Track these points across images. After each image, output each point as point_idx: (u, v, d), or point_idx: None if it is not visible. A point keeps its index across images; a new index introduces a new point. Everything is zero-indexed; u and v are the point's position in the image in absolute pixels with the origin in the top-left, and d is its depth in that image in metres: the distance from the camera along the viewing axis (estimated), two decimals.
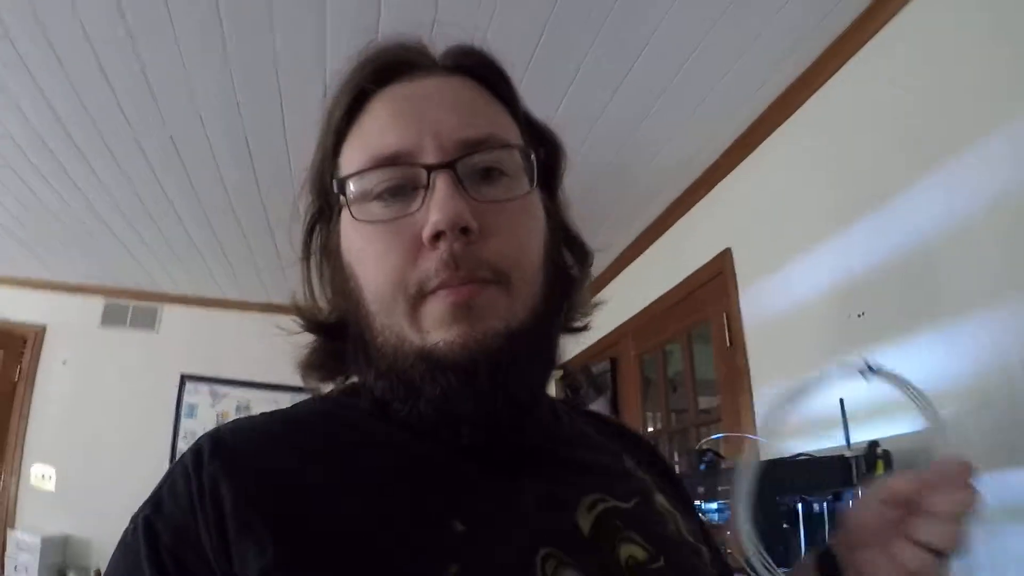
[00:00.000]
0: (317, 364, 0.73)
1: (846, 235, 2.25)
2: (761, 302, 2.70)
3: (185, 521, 0.54)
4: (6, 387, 4.90)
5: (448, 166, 0.60)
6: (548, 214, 0.69)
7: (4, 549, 4.46)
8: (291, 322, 0.73)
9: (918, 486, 0.61)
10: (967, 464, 0.60)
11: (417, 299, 0.59)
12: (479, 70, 0.70)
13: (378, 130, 0.64)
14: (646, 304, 3.62)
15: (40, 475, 4.76)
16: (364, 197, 0.63)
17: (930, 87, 1.96)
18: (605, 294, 4.20)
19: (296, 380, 0.73)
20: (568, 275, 0.74)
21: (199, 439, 0.61)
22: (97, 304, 5.24)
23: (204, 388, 5.17)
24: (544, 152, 0.72)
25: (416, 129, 0.63)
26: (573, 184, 2.71)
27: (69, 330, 5.15)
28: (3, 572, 4.34)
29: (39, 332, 5.12)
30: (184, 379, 5.16)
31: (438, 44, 0.72)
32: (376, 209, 0.62)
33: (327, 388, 0.74)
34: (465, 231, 0.58)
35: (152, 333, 5.28)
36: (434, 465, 0.61)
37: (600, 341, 4.21)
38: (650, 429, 3.78)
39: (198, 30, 2.35)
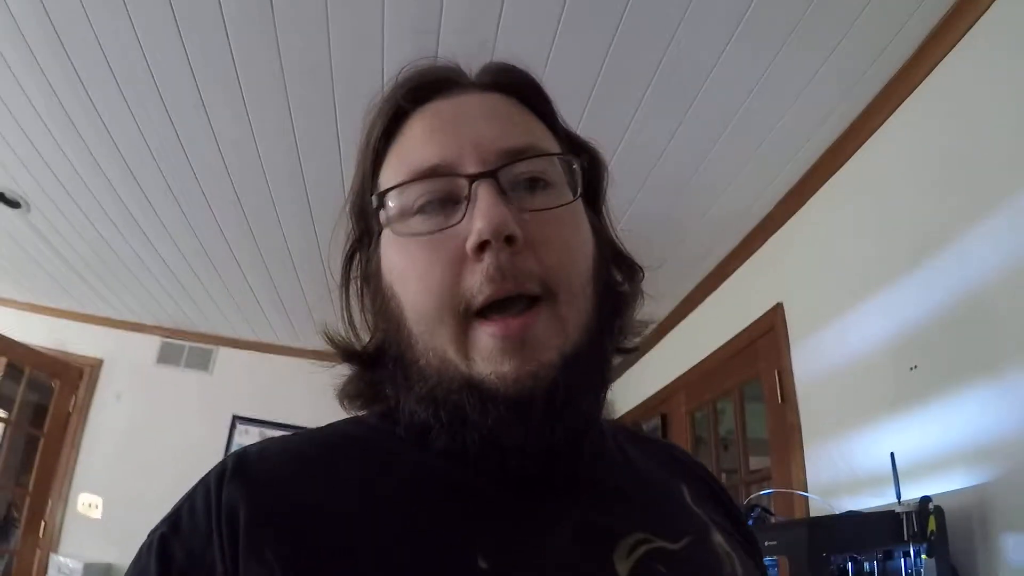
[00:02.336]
0: (355, 393, 0.73)
1: (898, 287, 2.26)
2: (813, 357, 2.71)
3: (200, 544, 0.54)
4: (60, 416, 5.09)
5: (490, 175, 0.60)
6: (593, 228, 0.68)
7: (45, 572, 4.61)
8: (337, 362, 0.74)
9: None
10: None
11: (465, 320, 0.58)
12: (515, 86, 0.71)
13: (417, 145, 0.65)
14: (698, 360, 3.67)
15: (87, 503, 4.93)
16: (404, 212, 0.63)
17: (980, 131, 1.98)
18: (657, 350, 4.28)
19: None
20: (618, 292, 0.71)
21: (226, 458, 0.62)
22: (154, 342, 5.46)
23: (254, 430, 5.27)
24: (586, 164, 0.68)
25: (455, 141, 0.63)
26: (627, 237, 2.83)
27: (125, 365, 5.36)
28: None
29: (95, 365, 5.33)
30: (235, 420, 5.30)
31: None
32: (417, 224, 0.62)
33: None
34: (510, 240, 0.57)
35: (206, 374, 5.46)
36: (464, 494, 0.60)
37: (651, 398, 4.28)
38: None
39: (266, 98, 2.60)
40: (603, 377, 0.66)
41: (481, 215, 0.57)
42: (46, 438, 5.00)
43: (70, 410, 5.15)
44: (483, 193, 0.59)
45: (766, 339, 3.00)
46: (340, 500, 0.58)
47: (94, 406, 5.22)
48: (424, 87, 0.69)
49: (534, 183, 0.63)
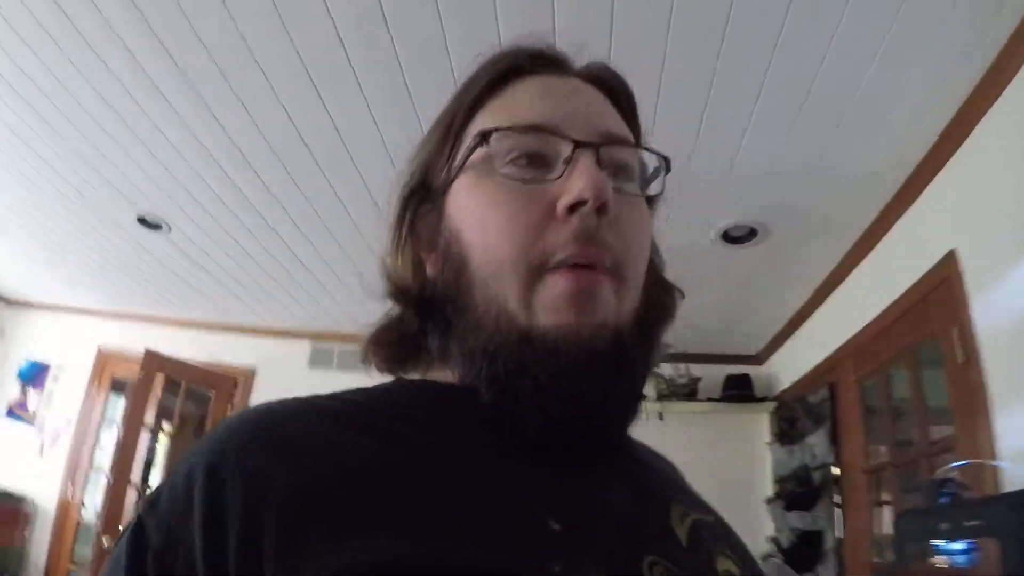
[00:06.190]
0: (394, 340, 0.74)
1: None
2: (997, 308, 2.45)
3: (180, 520, 0.50)
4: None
5: (594, 146, 0.64)
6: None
7: None
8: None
9: None
10: None
11: (537, 272, 0.61)
12: (615, 91, 0.76)
13: (528, 101, 0.69)
14: (864, 323, 3.48)
15: None
16: (496, 159, 0.65)
17: None
18: (819, 315, 4.15)
19: None
20: (659, 304, 0.74)
21: (225, 420, 0.59)
22: (304, 347, 5.75)
23: None
24: (655, 173, 0.74)
25: (567, 108, 0.68)
26: (772, 198, 2.73)
27: (278, 372, 5.68)
28: None
29: (249, 374, 5.67)
30: None
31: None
32: (510, 171, 0.64)
33: (389, 372, 0.75)
34: (602, 209, 0.60)
35: (360, 375, 5.57)
36: (516, 455, 0.59)
37: (816, 367, 4.12)
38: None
39: (381, 83, 2.68)
40: (646, 371, 0.69)
41: (584, 177, 0.61)
42: None
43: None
44: (585, 159, 0.63)
45: (940, 292, 2.78)
46: (388, 461, 0.54)
47: None
48: (543, 58, 0.74)
49: (621, 169, 0.67)
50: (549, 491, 0.57)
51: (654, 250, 0.75)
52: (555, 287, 0.60)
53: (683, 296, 0.78)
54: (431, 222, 0.71)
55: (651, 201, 0.75)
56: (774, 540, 4.35)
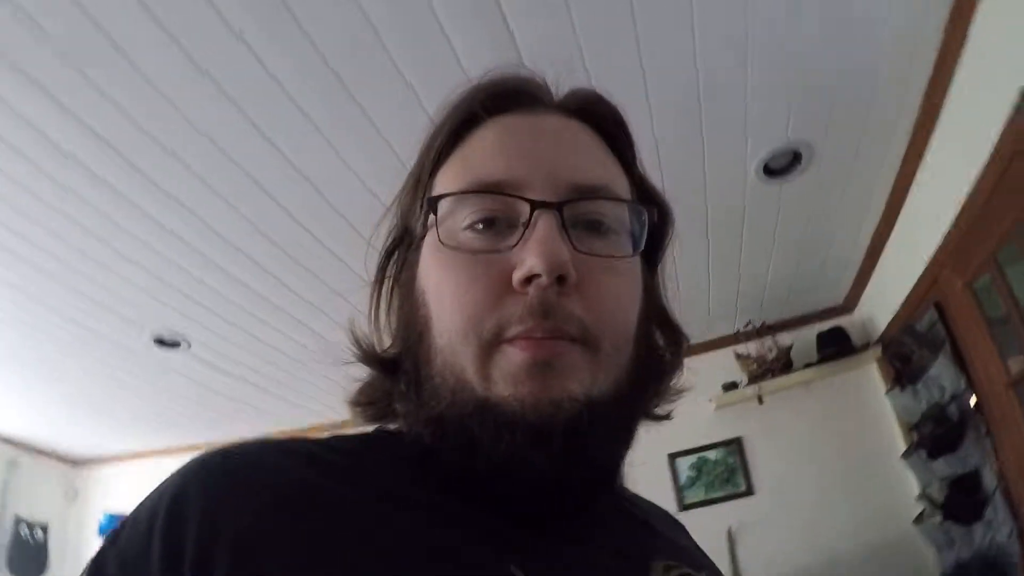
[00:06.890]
0: (366, 401, 0.72)
1: None
2: None
3: (138, 556, 0.50)
4: None
5: (555, 206, 0.59)
6: (645, 287, 0.68)
7: None
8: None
9: None
10: None
11: (491, 345, 0.57)
12: (600, 119, 0.70)
13: (484, 156, 0.64)
14: (953, 218, 2.94)
15: None
16: (454, 223, 0.62)
17: None
18: (900, 228, 3.67)
19: None
20: (659, 357, 0.72)
21: (191, 460, 0.59)
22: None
23: None
24: (654, 218, 0.69)
25: (527, 161, 0.62)
26: (803, 106, 2.33)
27: None
28: None
29: None
30: None
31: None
32: (465, 239, 0.61)
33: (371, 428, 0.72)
34: (562, 280, 0.56)
35: None
36: (488, 514, 0.58)
37: (914, 290, 3.63)
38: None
39: (375, 165, 2.75)
40: (629, 437, 0.66)
41: (537, 248, 0.56)
42: None
43: None
44: (543, 225, 0.58)
45: None
46: (354, 509, 0.54)
47: None
48: (505, 96, 0.69)
49: (596, 225, 0.62)
50: (517, 545, 0.56)
51: (654, 296, 0.73)
52: (512, 357, 0.56)
53: (688, 340, 0.75)
54: (410, 277, 0.68)
55: (655, 250, 0.73)
56: (925, 497, 3.81)
